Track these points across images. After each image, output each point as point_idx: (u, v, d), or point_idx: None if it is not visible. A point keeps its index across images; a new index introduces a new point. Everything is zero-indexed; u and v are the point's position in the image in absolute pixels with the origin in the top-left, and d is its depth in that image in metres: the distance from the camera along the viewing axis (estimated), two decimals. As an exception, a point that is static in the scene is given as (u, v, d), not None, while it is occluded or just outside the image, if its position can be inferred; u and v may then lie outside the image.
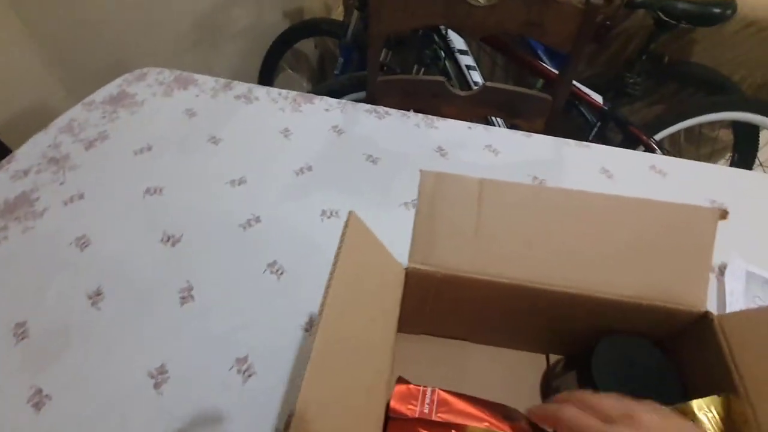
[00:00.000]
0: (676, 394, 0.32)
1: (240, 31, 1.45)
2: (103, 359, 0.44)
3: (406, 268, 0.35)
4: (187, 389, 0.42)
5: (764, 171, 1.30)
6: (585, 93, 1.16)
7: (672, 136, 1.24)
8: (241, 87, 0.76)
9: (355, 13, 1.22)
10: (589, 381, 0.34)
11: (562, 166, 0.66)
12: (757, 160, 1.26)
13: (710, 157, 1.37)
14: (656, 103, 1.34)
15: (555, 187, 0.36)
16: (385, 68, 1.24)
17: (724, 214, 0.32)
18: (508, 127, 1.17)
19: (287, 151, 0.66)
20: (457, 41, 1.16)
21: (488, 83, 0.81)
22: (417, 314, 0.41)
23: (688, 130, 1.26)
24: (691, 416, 0.30)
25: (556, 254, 0.34)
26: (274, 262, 0.52)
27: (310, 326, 0.46)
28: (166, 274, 0.50)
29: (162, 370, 0.43)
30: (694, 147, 1.37)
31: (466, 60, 1.16)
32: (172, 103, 0.73)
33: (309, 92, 0.79)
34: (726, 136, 1.30)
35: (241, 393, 0.42)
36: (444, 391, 0.33)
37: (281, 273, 0.51)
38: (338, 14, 1.53)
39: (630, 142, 1.17)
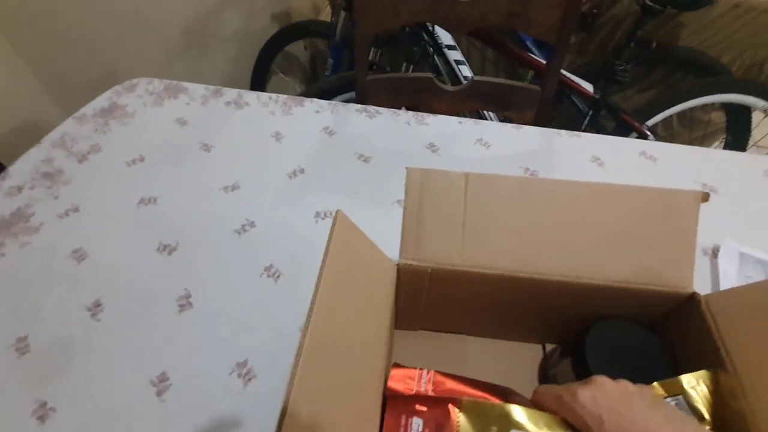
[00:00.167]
0: (668, 375, 0.32)
1: (229, 37, 1.46)
2: (105, 369, 0.44)
3: (397, 264, 0.35)
4: (190, 395, 0.42)
5: (759, 152, 1.30)
6: (575, 82, 1.16)
7: (665, 120, 1.25)
8: (231, 93, 0.76)
9: (343, 13, 1.22)
10: (583, 366, 0.35)
11: (554, 157, 0.67)
12: (751, 141, 1.27)
13: (704, 140, 1.38)
14: (647, 89, 1.34)
15: (540, 178, 0.37)
16: (374, 67, 1.24)
17: (706, 197, 0.33)
18: (499, 120, 1.18)
19: (279, 155, 0.66)
20: (445, 37, 1.16)
21: (476, 77, 0.81)
22: (412, 310, 0.41)
23: (681, 114, 1.26)
24: (680, 390, 0.31)
25: (544, 244, 0.34)
26: (271, 266, 0.52)
27: (309, 327, 0.47)
28: (164, 283, 0.51)
29: (163, 378, 0.43)
30: (687, 131, 1.37)
31: (455, 55, 1.17)
32: (162, 113, 0.73)
33: (300, 95, 0.79)
34: (719, 118, 1.30)
35: (243, 397, 0.42)
36: (439, 372, 0.34)
37: (278, 276, 0.51)
38: (327, 15, 1.53)
39: (623, 129, 1.18)
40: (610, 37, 1.24)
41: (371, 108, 0.73)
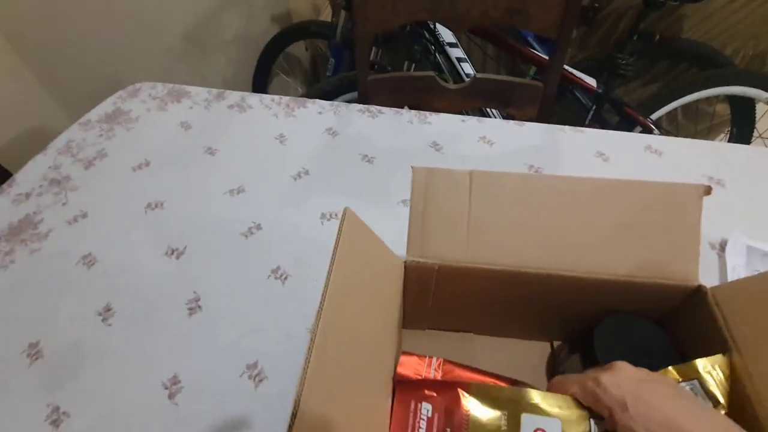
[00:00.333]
0: None
1: (230, 39, 1.46)
2: (117, 373, 0.45)
3: (405, 262, 0.36)
4: (201, 397, 0.43)
5: (764, 143, 1.29)
6: (578, 77, 1.15)
7: (669, 114, 1.24)
8: (234, 96, 0.77)
9: (343, 13, 1.22)
10: (593, 362, 0.35)
11: (558, 153, 0.66)
12: (756, 133, 1.26)
13: (709, 133, 1.37)
14: (651, 82, 1.34)
15: (543, 174, 0.37)
16: (376, 67, 1.24)
17: (708, 190, 0.33)
18: (503, 117, 1.17)
19: (283, 157, 0.66)
20: (446, 34, 1.16)
21: (478, 74, 0.81)
22: (420, 309, 0.41)
23: (685, 107, 1.25)
24: (695, 375, 0.31)
25: (548, 239, 0.34)
26: (278, 268, 0.52)
27: (317, 328, 0.47)
28: (173, 287, 0.51)
29: (175, 381, 0.44)
30: (692, 123, 1.36)
31: (457, 53, 1.16)
32: (166, 117, 0.74)
33: (302, 96, 0.79)
34: (723, 110, 1.29)
35: (253, 398, 0.43)
36: (448, 360, 0.34)
37: (285, 278, 0.52)
38: (327, 15, 1.53)
39: (627, 123, 1.17)
40: (612, 30, 1.24)
41: (374, 108, 0.74)
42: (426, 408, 0.30)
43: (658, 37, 1.18)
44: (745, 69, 1.20)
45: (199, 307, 0.49)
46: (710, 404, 0.30)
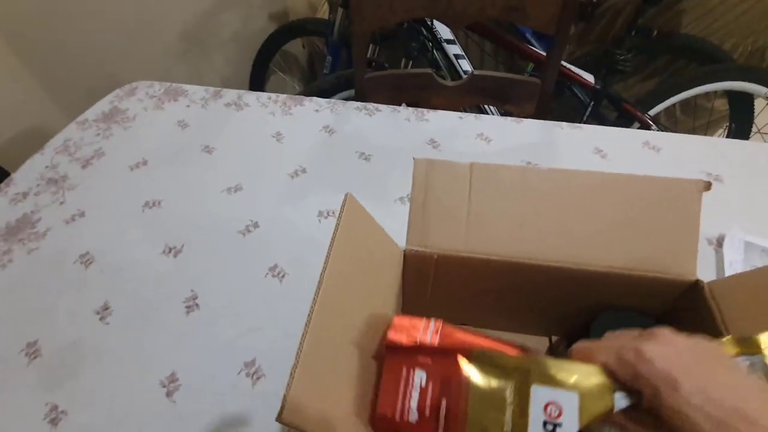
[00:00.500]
0: None
1: (228, 37, 1.46)
2: (115, 372, 0.45)
3: (404, 251, 0.36)
4: (199, 395, 0.43)
5: (763, 139, 1.29)
6: (576, 73, 1.15)
7: (667, 109, 1.24)
8: (230, 94, 0.77)
9: (340, 10, 1.22)
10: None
11: (556, 149, 0.66)
12: (755, 128, 1.26)
13: (707, 129, 1.37)
14: (649, 78, 1.33)
15: (542, 168, 0.37)
16: (373, 64, 1.24)
17: (708, 186, 0.33)
18: (501, 114, 1.17)
19: (281, 155, 0.66)
20: (444, 31, 1.16)
21: (475, 71, 0.81)
22: (419, 300, 0.42)
23: (684, 103, 1.25)
24: (757, 350, 0.26)
25: (546, 232, 0.35)
26: (275, 266, 0.52)
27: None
28: (171, 285, 0.51)
29: (173, 379, 0.44)
30: (690, 119, 1.36)
31: (454, 49, 1.16)
32: (163, 116, 0.74)
33: (299, 94, 0.79)
34: (722, 106, 1.29)
35: (251, 395, 0.43)
36: (448, 323, 0.29)
37: (282, 276, 0.52)
38: (323, 13, 1.53)
39: (625, 119, 1.17)
40: (610, 26, 1.23)
41: (371, 105, 0.73)
42: (419, 375, 0.27)
43: (656, 32, 1.18)
44: (743, 64, 1.20)
45: (197, 305, 0.49)
46: None
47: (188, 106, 0.75)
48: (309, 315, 0.24)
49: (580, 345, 0.26)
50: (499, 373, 0.25)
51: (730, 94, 1.22)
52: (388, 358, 0.28)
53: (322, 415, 0.23)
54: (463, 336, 0.28)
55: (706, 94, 1.22)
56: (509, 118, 0.71)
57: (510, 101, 0.84)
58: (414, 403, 0.26)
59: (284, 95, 0.76)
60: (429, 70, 0.82)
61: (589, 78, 1.16)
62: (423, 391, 0.26)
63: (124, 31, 1.12)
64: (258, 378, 0.44)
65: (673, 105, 1.21)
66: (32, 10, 0.93)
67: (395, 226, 0.36)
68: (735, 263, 0.50)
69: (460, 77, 1.16)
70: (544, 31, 0.73)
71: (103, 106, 0.76)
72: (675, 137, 0.67)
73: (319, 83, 1.16)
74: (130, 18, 1.12)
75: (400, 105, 0.75)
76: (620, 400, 0.23)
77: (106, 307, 0.49)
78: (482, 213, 0.36)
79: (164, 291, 0.51)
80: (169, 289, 0.51)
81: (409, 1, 0.72)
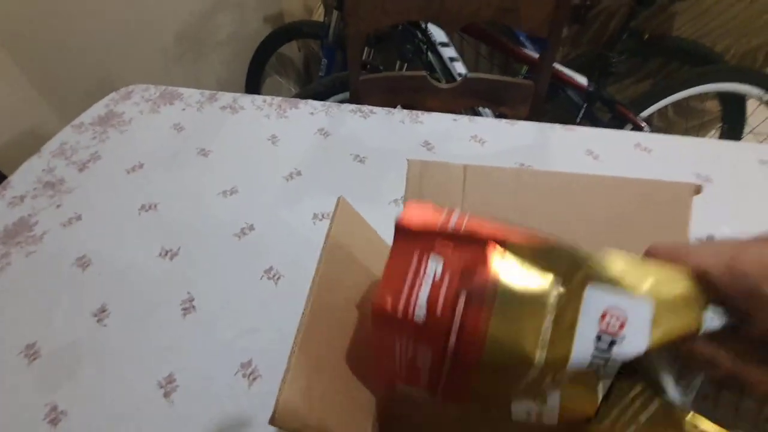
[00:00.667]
0: None
1: (223, 40, 1.46)
2: (113, 373, 0.45)
3: None
4: (196, 396, 0.43)
5: (756, 138, 1.30)
6: (569, 76, 1.16)
7: (660, 111, 1.25)
8: (226, 97, 0.77)
9: (335, 13, 1.23)
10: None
11: (549, 151, 0.67)
12: (748, 128, 1.27)
13: (700, 130, 1.38)
14: (643, 80, 1.35)
15: (536, 170, 0.38)
16: (368, 67, 1.25)
17: (698, 189, 0.33)
18: (495, 116, 1.18)
19: (276, 158, 0.67)
20: (438, 34, 1.17)
21: (470, 74, 0.82)
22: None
23: (677, 104, 1.26)
24: None
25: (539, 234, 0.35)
26: (271, 268, 0.53)
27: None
28: (167, 287, 0.52)
29: (170, 380, 0.44)
30: (683, 120, 1.37)
31: (449, 52, 1.17)
32: (159, 119, 0.74)
33: (294, 96, 0.80)
34: (714, 107, 1.30)
35: (248, 396, 0.43)
36: (477, 217, 0.23)
37: (278, 278, 0.52)
38: (319, 15, 1.54)
39: (618, 120, 1.18)
40: (603, 28, 1.24)
41: (365, 108, 0.74)
42: (434, 263, 0.21)
43: (648, 35, 1.19)
44: (735, 66, 1.21)
45: (194, 307, 0.50)
46: None
47: (184, 109, 0.76)
48: (301, 319, 0.25)
49: (661, 243, 0.20)
50: (542, 266, 0.19)
51: (722, 96, 1.23)
52: (397, 243, 0.22)
53: (316, 417, 0.24)
54: (496, 229, 0.21)
55: (699, 96, 1.23)
56: (503, 120, 0.72)
57: (504, 103, 0.85)
58: (423, 297, 0.20)
59: (279, 98, 0.77)
60: (423, 73, 0.82)
61: (582, 80, 1.17)
62: (436, 285, 0.20)
63: (120, 34, 1.12)
64: (254, 379, 0.44)
65: (666, 106, 1.23)
66: (28, 13, 0.93)
67: (389, 228, 0.37)
68: (723, 263, 0.51)
69: (455, 80, 1.17)
70: (537, 34, 0.74)
71: (99, 109, 0.76)
72: (666, 138, 0.68)
73: (314, 86, 1.16)
74: (126, 21, 1.12)
75: (394, 107, 0.76)
76: (711, 320, 0.17)
77: (103, 309, 0.50)
78: (476, 214, 0.36)
79: (161, 293, 0.51)
80: (166, 291, 0.51)
81: (404, 3, 0.73)
